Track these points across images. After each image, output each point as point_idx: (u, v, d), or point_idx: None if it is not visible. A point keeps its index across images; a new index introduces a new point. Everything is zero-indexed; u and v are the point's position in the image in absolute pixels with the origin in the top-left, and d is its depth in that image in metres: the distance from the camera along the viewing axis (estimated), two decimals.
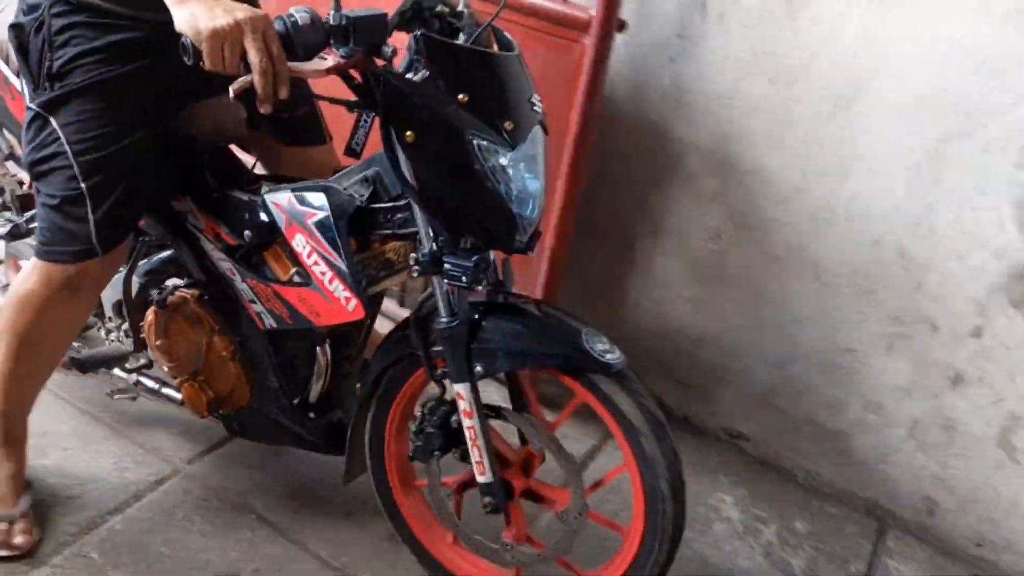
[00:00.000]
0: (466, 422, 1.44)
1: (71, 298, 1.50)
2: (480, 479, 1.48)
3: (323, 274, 1.43)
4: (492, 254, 1.39)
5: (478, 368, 1.39)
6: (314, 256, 1.43)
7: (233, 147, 1.70)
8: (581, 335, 1.36)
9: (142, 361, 1.79)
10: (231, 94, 1.18)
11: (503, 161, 1.27)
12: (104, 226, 1.44)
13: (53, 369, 1.63)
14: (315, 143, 1.71)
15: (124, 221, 1.50)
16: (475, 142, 1.25)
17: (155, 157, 1.48)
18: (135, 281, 1.68)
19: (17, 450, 1.66)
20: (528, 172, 1.31)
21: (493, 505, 1.49)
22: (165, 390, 1.79)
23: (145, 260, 1.68)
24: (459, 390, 1.42)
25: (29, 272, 1.51)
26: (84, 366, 1.79)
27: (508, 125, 1.26)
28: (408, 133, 1.25)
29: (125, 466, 1.84)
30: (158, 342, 1.66)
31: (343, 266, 1.41)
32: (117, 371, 1.82)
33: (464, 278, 1.32)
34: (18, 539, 1.61)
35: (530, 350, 1.38)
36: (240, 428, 1.74)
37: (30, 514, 1.65)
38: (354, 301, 1.43)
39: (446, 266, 1.33)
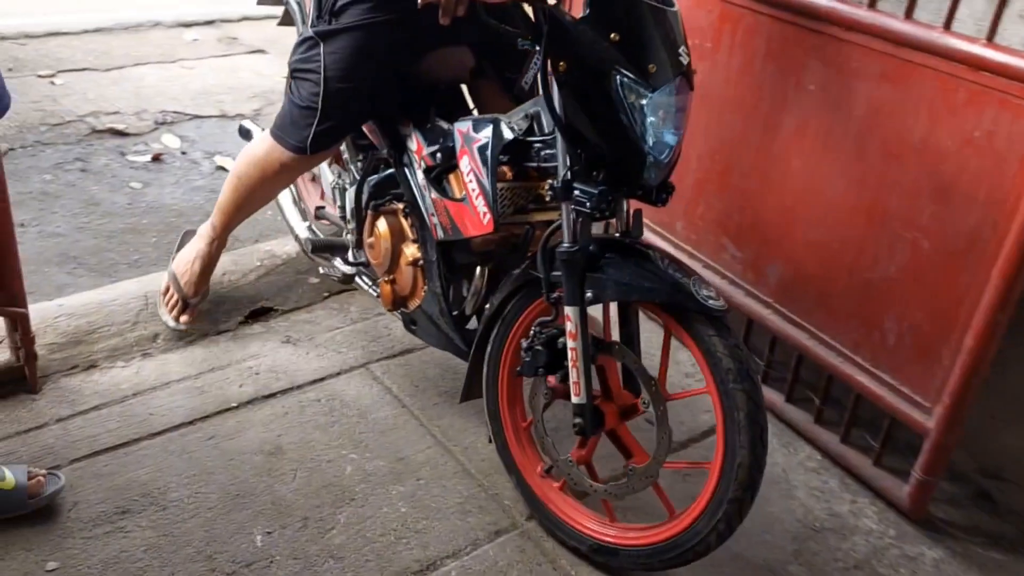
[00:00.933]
0: (570, 343, 1.57)
1: (279, 171, 1.97)
2: (575, 399, 1.60)
3: (473, 191, 1.69)
4: (625, 204, 1.56)
5: (588, 294, 1.52)
6: (471, 175, 1.69)
7: (466, 94, 2.05)
8: (689, 279, 1.48)
9: (362, 259, 2.13)
10: (419, 3, 1.46)
11: (643, 101, 1.40)
12: (319, 137, 1.86)
13: (259, 209, 2.18)
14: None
15: (335, 138, 1.92)
16: (618, 77, 1.40)
17: (388, 93, 1.85)
18: (365, 190, 2.01)
19: (216, 256, 2.23)
20: (666, 118, 1.43)
21: (580, 427, 1.62)
22: (366, 285, 2.18)
23: (375, 174, 2.00)
24: (568, 313, 1.55)
25: (260, 140, 2.02)
26: (314, 247, 2.25)
27: (651, 67, 1.40)
28: (561, 64, 1.41)
29: (468, 509, 1.85)
30: (369, 239, 2.02)
31: (488, 184, 1.65)
32: (338, 262, 2.22)
33: (588, 204, 1.46)
34: (184, 317, 2.22)
35: (637, 285, 1.50)
36: (413, 326, 2.04)
37: (199, 306, 2.25)
38: (488, 216, 1.67)
39: (575, 193, 1.48)
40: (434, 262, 1.86)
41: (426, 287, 1.91)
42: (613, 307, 1.66)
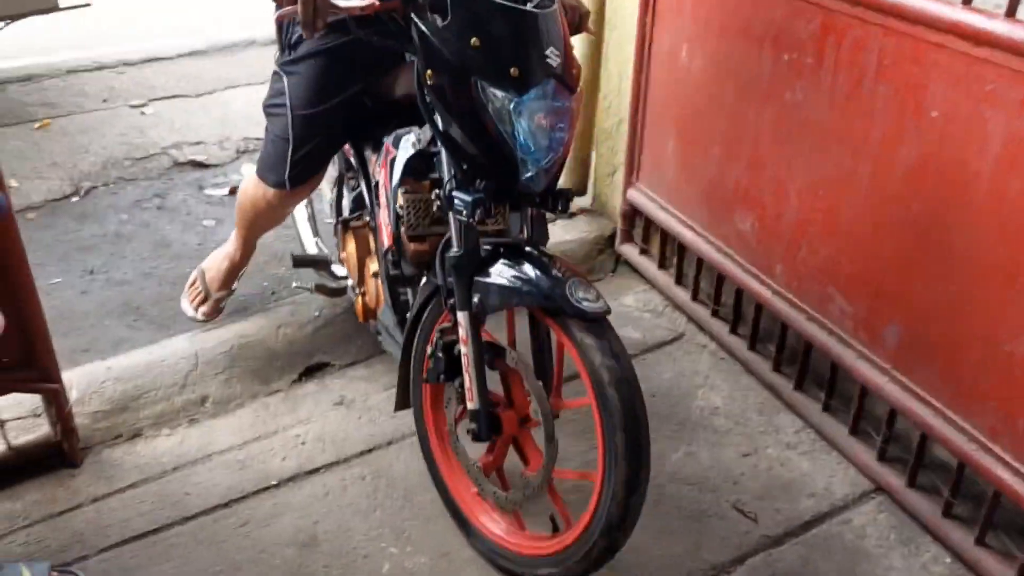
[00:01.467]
0: (463, 349, 1.57)
1: (267, 208, 2.05)
2: (469, 405, 1.60)
3: (384, 204, 1.82)
4: (531, 210, 1.58)
5: (475, 299, 1.52)
6: (383, 188, 1.82)
7: None
8: (566, 282, 1.45)
9: (348, 280, 2.20)
10: (275, 17, 1.50)
11: (509, 107, 1.39)
12: (295, 168, 1.91)
13: (268, 231, 2.27)
14: None
15: (312, 168, 1.96)
16: (480, 83, 1.39)
17: (353, 115, 1.87)
18: (340, 206, 2.16)
19: (242, 262, 2.32)
20: (538, 123, 1.41)
21: (475, 432, 1.61)
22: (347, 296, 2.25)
23: (351, 192, 2.09)
24: (459, 318, 1.56)
25: (249, 180, 2.10)
26: (297, 262, 2.27)
27: (514, 71, 1.38)
28: (428, 72, 1.41)
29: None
30: (342, 254, 2.17)
31: (389, 198, 1.77)
32: (327, 276, 2.26)
33: (464, 212, 1.47)
34: (203, 309, 2.33)
35: (516, 288, 1.49)
36: (379, 336, 2.09)
37: (223, 304, 2.36)
38: (388, 228, 1.81)
39: (455, 202, 1.48)
40: (384, 273, 1.92)
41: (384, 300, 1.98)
42: (521, 312, 1.63)
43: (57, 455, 1.92)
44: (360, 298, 2.09)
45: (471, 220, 1.47)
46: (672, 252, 2.56)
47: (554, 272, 1.48)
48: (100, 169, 3.23)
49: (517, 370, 1.62)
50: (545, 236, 1.63)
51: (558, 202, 1.51)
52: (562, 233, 2.79)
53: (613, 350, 1.45)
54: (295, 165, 1.91)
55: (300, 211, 2.47)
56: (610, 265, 2.75)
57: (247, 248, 2.29)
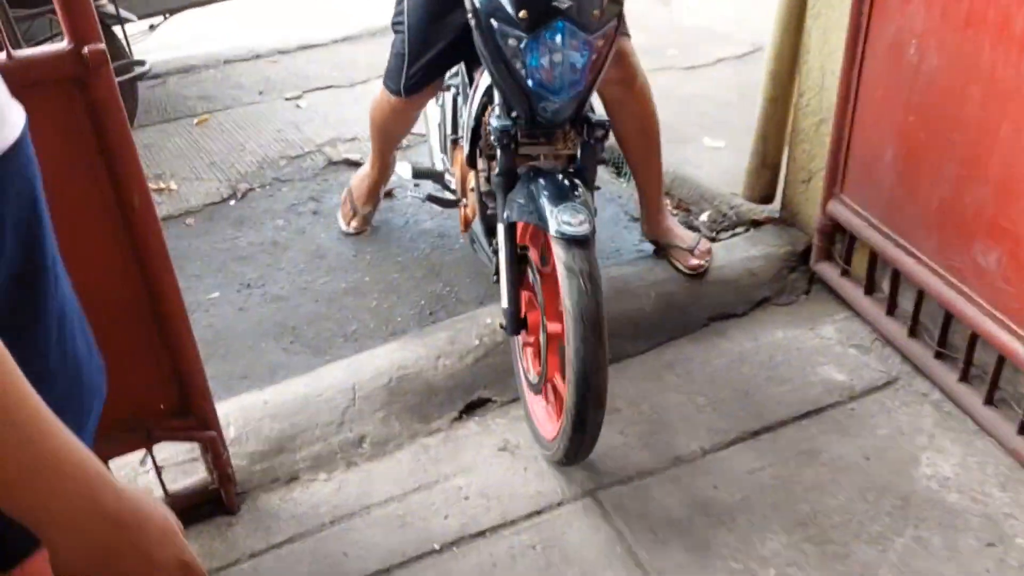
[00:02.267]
0: (500, 255, 1.84)
1: (391, 113, 2.37)
2: (502, 303, 1.84)
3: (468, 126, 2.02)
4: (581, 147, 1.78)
5: (506, 213, 1.77)
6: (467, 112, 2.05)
7: None
8: (558, 204, 1.63)
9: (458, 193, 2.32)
10: None
11: (521, 45, 1.60)
12: (411, 79, 2.17)
13: (399, 142, 2.66)
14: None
15: (425, 79, 2.19)
16: (494, 23, 1.63)
17: (463, 37, 1.86)
18: (448, 125, 2.32)
19: (381, 171, 2.66)
20: (552, 60, 1.61)
21: (503, 327, 1.88)
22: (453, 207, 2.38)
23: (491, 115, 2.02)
24: (499, 228, 1.83)
25: (378, 90, 2.39)
26: (416, 174, 2.43)
27: (522, 14, 1.59)
28: (469, 15, 1.69)
29: None
30: (452, 168, 2.33)
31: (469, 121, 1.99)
32: (438, 185, 2.49)
33: (495, 137, 1.73)
34: (354, 223, 2.73)
35: (526, 207, 1.69)
36: (472, 246, 2.32)
37: (371, 218, 2.76)
38: (466, 149, 2.02)
39: (492, 128, 1.75)
40: (476, 187, 2.05)
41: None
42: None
43: (215, 501, 1.83)
44: (462, 209, 2.27)
45: (507, 144, 1.73)
46: (883, 276, 2.20)
47: (562, 193, 1.66)
48: (256, 169, 3.16)
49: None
50: (589, 165, 1.79)
51: (593, 131, 1.72)
52: (747, 246, 2.49)
53: (581, 269, 1.59)
54: (410, 77, 2.18)
55: (433, 128, 2.65)
56: (803, 285, 2.42)
57: (383, 162, 2.63)
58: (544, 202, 1.65)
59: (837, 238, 2.32)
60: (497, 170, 1.78)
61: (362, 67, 3.92)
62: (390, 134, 2.52)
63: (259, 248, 2.74)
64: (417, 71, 2.16)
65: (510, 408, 2.07)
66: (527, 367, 1.98)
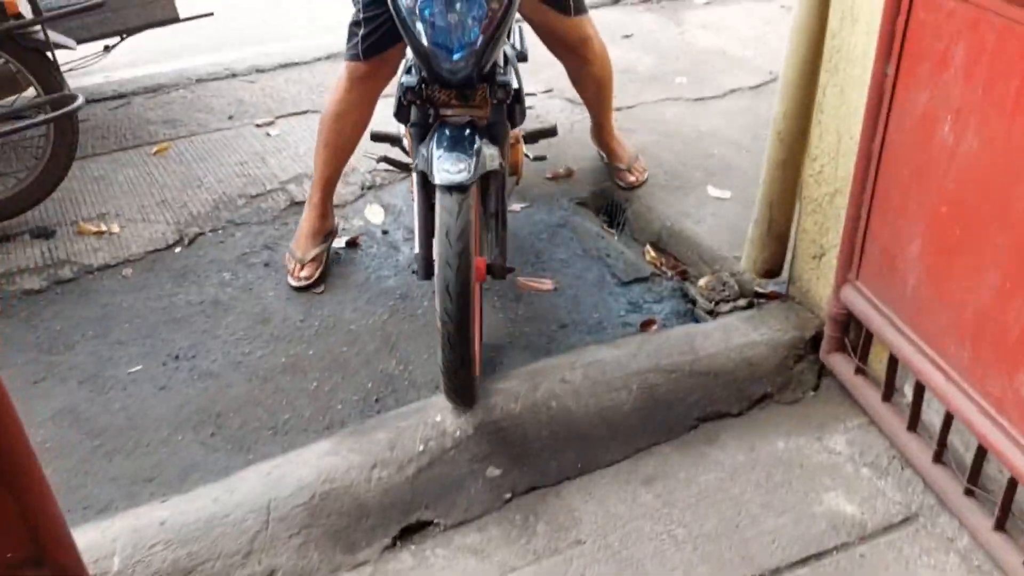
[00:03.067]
0: (413, 203, 1.99)
1: (350, 87, 2.33)
2: (415, 249, 1.96)
3: None
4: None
5: (415, 163, 1.86)
6: None
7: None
8: (443, 154, 1.75)
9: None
10: None
11: (411, 5, 1.70)
12: (366, 41, 2.23)
13: (349, 149, 2.47)
14: (562, 13, 2.47)
15: (380, 44, 2.22)
16: None
17: None
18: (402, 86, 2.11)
19: (322, 213, 2.52)
20: (443, 18, 1.69)
21: (415, 272, 2.00)
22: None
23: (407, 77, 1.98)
24: (412, 176, 2.01)
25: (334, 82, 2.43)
26: (374, 137, 2.38)
27: None
28: None
29: None
30: (405, 132, 2.30)
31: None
32: (398, 150, 2.49)
33: (403, 94, 1.84)
34: (303, 273, 2.47)
35: (425, 158, 1.79)
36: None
37: (320, 260, 2.50)
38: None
39: (402, 84, 1.85)
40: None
41: None
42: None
43: None
44: (413, 172, 2.21)
45: (415, 101, 1.81)
46: (904, 378, 1.86)
47: (449, 143, 1.77)
48: (211, 209, 2.86)
49: None
50: (497, 121, 1.87)
51: (496, 92, 1.80)
52: (747, 328, 2.14)
53: (451, 217, 1.69)
54: (365, 39, 2.22)
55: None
56: (811, 380, 2.07)
57: (321, 192, 2.50)
58: (435, 149, 1.76)
59: (852, 327, 1.98)
60: (410, 121, 1.90)
61: None
62: (343, 125, 2.41)
63: (197, 309, 2.43)
64: (371, 32, 2.21)
65: (455, 535, 1.75)
66: None
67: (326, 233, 2.53)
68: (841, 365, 2.01)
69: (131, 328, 2.36)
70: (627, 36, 4.04)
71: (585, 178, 2.96)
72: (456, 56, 1.71)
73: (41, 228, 2.75)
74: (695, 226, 2.62)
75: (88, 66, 3.33)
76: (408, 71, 1.90)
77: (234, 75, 3.80)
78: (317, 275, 2.47)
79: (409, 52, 1.92)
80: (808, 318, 2.13)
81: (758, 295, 2.29)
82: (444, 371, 1.81)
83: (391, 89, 2.25)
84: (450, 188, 1.69)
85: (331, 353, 2.25)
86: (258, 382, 2.17)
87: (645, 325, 2.30)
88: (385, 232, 2.75)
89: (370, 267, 2.59)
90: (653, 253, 2.64)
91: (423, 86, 1.79)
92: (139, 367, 2.23)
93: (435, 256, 1.74)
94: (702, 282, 2.45)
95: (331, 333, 2.32)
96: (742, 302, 2.31)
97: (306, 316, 2.39)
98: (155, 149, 3.24)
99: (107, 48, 3.20)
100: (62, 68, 2.65)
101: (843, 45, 1.81)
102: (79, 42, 2.86)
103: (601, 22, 4.34)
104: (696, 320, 2.32)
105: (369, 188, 2.97)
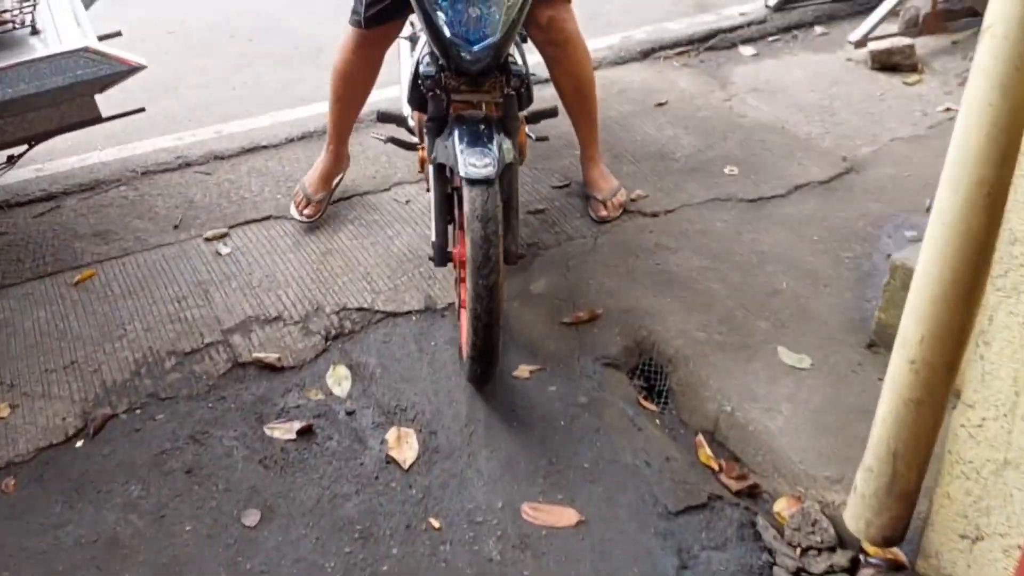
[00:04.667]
0: (430, 194, 2.08)
1: (353, 49, 2.49)
2: (432, 237, 2.05)
3: None
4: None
5: (434, 155, 1.96)
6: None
7: None
8: (467, 149, 1.80)
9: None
10: None
11: None
12: (370, 9, 2.33)
13: (359, 103, 2.67)
14: None
15: (385, 13, 2.33)
16: None
17: None
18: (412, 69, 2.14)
19: (336, 156, 2.76)
20: (468, 9, 1.77)
21: (432, 259, 2.07)
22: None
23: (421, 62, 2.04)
24: (428, 168, 2.07)
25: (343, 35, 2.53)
26: (381, 117, 2.38)
27: None
28: None
29: None
30: (413, 114, 2.35)
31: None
32: (402, 129, 2.50)
33: (422, 84, 1.92)
34: (307, 211, 2.72)
35: (447, 152, 1.88)
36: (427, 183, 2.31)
37: (324, 204, 2.75)
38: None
39: (420, 74, 1.93)
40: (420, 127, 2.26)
41: None
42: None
43: None
44: (420, 151, 2.26)
45: (434, 90, 1.90)
46: None
47: (473, 139, 1.83)
48: (129, 376, 2.22)
49: None
50: (511, 111, 1.96)
51: (511, 81, 1.92)
52: None
53: (480, 209, 1.76)
54: (368, 7, 2.30)
55: (404, 77, 2.59)
56: None
57: (338, 142, 2.71)
58: (458, 144, 1.82)
59: None
60: (428, 118, 1.95)
61: None
62: (351, 83, 2.56)
63: (87, 556, 1.78)
64: (374, 1, 2.28)
65: None
66: (460, 296, 2.11)
67: (338, 175, 2.77)
68: None
69: None
70: (661, 104, 3.35)
71: (613, 319, 2.28)
72: (476, 47, 1.78)
73: None
74: (765, 417, 1.93)
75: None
76: (422, 58, 1.97)
77: (187, 164, 3.16)
78: (320, 214, 2.73)
79: (423, 37, 2.04)
80: None
81: (866, 556, 1.60)
82: (473, 357, 1.92)
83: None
84: (478, 182, 1.77)
85: None
86: None
87: None
88: (350, 413, 2.09)
89: (325, 476, 1.93)
90: (709, 451, 1.96)
91: (441, 74, 1.87)
92: None
93: (467, 261, 1.80)
94: (781, 509, 1.77)
95: None
96: (842, 558, 1.63)
97: (237, 559, 1.73)
98: (77, 277, 2.60)
99: (11, 159, 2.57)
100: None
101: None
102: None
103: (630, 84, 3.66)
104: None
105: (335, 338, 2.31)
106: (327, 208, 2.76)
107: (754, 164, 2.93)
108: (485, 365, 1.95)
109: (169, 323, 2.39)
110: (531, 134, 2.36)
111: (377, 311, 2.40)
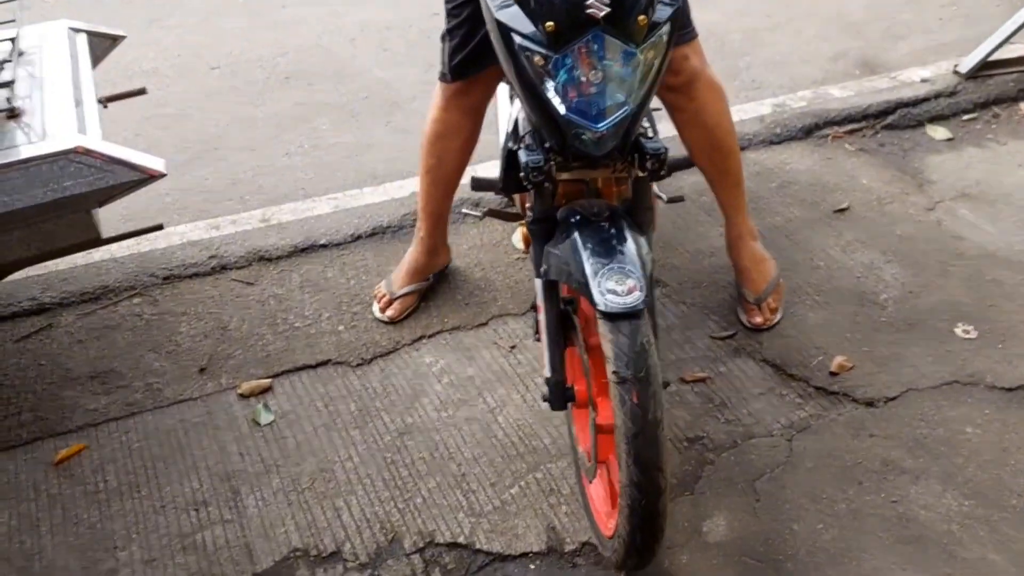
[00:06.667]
0: (539, 316, 1.60)
1: (446, 106, 2.04)
2: (544, 372, 1.59)
3: None
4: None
5: (544, 268, 1.52)
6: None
7: None
8: (601, 268, 1.37)
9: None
10: None
11: (548, 65, 1.34)
12: (454, 59, 1.94)
13: (452, 177, 2.15)
14: None
15: (470, 61, 1.91)
16: (516, 39, 1.34)
17: None
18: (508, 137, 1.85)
19: (429, 248, 2.25)
20: (589, 78, 1.34)
21: (545, 398, 1.60)
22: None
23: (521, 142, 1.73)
24: (536, 283, 1.58)
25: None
26: (475, 185, 1.81)
27: (549, 26, 1.31)
28: (488, 28, 1.45)
29: None
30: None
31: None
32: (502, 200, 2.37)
33: (525, 174, 1.44)
34: (389, 312, 2.21)
35: (565, 266, 1.44)
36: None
37: (411, 301, 2.23)
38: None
39: (520, 162, 1.46)
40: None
41: None
42: None
43: None
44: (522, 227, 2.12)
45: (541, 182, 1.45)
46: None
47: (607, 249, 1.40)
48: None
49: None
50: (644, 198, 1.54)
51: (645, 162, 1.43)
52: None
53: (630, 350, 1.34)
54: (452, 55, 1.93)
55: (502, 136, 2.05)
56: None
57: (430, 232, 2.22)
58: (585, 260, 1.39)
59: None
60: (531, 214, 1.55)
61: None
62: (440, 151, 2.09)
63: None
64: (457, 48, 1.91)
65: None
66: (581, 446, 1.66)
67: (433, 271, 2.29)
68: None
69: None
70: (841, 211, 2.53)
71: None
72: (597, 125, 1.37)
73: None
74: None
75: None
76: (520, 133, 1.62)
77: (223, 268, 2.42)
78: (404, 316, 2.22)
79: (520, 114, 1.70)
80: None
81: None
82: (622, 561, 1.50)
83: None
84: (622, 316, 1.35)
85: None
86: None
87: None
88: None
89: None
90: None
91: (551, 163, 1.44)
92: None
93: (617, 437, 1.37)
94: None
95: None
96: None
97: None
98: (62, 453, 1.88)
99: None
100: None
101: None
102: None
103: (793, 175, 2.67)
104: None
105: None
106: (418, 305, 2.24)
107: (995, 321, 2.10)
108: (646, 558, 1.51)
109: (180, 551, 1.66)
110: (661, 195, 1.88)
111: (478, 550, 1.65)
